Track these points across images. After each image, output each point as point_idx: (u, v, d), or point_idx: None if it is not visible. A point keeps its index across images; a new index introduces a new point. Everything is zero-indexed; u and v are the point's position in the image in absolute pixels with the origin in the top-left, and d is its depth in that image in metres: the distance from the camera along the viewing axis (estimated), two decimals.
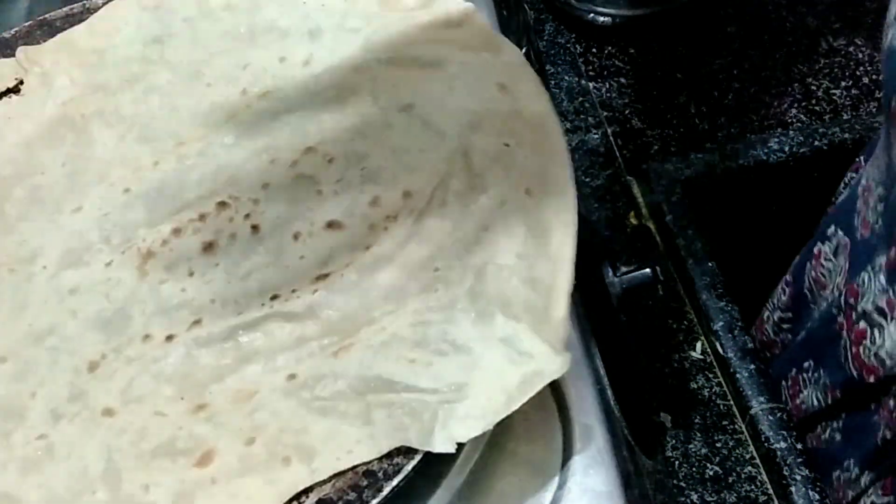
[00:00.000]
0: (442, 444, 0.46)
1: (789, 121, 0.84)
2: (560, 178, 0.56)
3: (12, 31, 0.71)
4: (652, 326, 0.70)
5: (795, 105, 0.85)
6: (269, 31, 0.67)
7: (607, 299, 0.60)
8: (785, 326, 0.80)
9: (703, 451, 0.64)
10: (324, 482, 0.47)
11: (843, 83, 0.86)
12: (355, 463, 0.47)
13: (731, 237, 0.81)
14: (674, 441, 0.64)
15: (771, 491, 0.63)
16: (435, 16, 0.63)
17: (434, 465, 0.48)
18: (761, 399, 0.65)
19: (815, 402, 0.68)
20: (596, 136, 0.83)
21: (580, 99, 0.87)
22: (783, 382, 0.73)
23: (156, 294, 0.56)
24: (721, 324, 0.69)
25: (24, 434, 0.51)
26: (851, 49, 0.89)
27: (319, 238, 0.55)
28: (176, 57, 0.67)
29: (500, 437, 0.53)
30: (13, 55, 0.69)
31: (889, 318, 0.58)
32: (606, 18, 0.91)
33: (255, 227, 0.57)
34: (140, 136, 0.64)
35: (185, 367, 0.52)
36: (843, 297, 0.64)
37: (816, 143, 0.82)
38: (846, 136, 0.82)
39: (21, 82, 0.68)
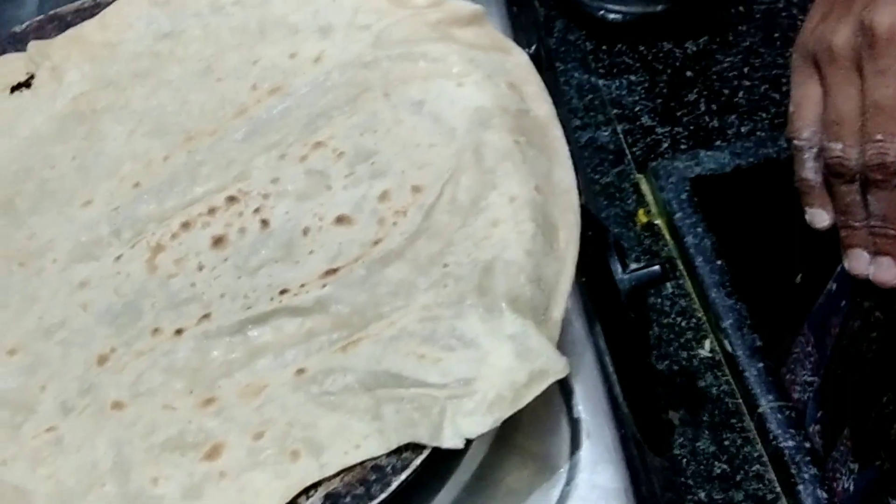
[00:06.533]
0: (451, 440, 0.46)
1: None
2: (564, 179, 0.56)
3: (23, 26, 0.72)
4: (661, 324, 0.70)
5: None
6: (280, 27, 0.67)
7: (616, 296, 0.60)
8: None
9: (712, 448, 0.64)
10: (332, 476, 0.47)
11: None
12: (364, 458, 0.47)
13: (741, 235, 0.81)
14: (682, 439, 0.64)
15: (779, 489, 0.62)
16: (445, 14, 0.63)
17: (442, 460, 0.48)
18: (770, 397, 0.65)
19: None
20: (605, 134, 0.83)
21: (590, 96, 0.87)
22: None
23: (165, 288, 0.56)
24: (730, 321, 0.69)
25: (34, 427, 0.51)
26: None
27: (329, 233, 0.55)
28: (186, 52, 0.67)
29: (507, 432, 0.53)
30: (24, 49, 0.69)
31: None
32: (617, 16, 0.91)
33: (264, 222, 0.57)
34: (150, 130, 0.64)
35: (194, 361, 0.52)
36: None
37: None
38: None
39: (32, 77, 0.68)
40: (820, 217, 0.54)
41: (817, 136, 0.52)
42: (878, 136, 0.48)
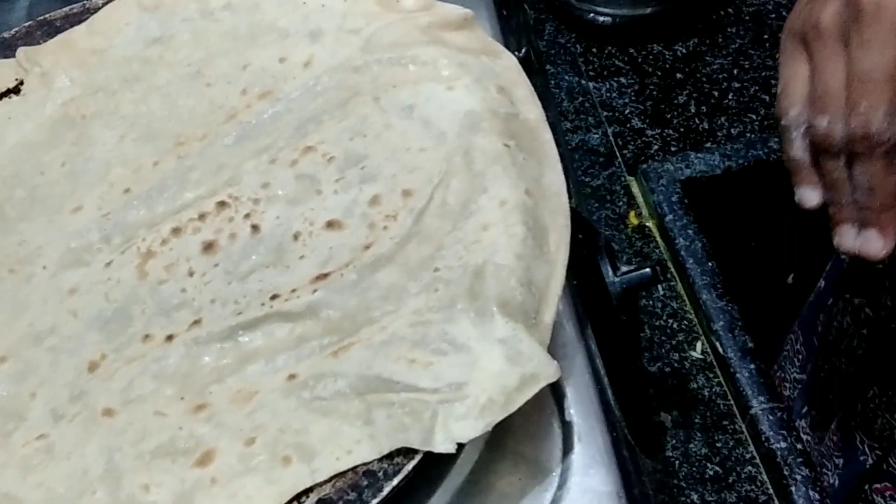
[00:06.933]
0: (442, 445, 0.46)
1: None
2: (554, 182, 0.56)
3: (12, 32, 0.71)
4: (652, 326, 0.70)
5: None
6: (270, 32, 0.67)
7: (607, 299, 0.60)
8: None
9: (704, 450, 0.64)
10: (324, 482, 0.47)
11: None
12: (355, 463, 0.47)
13: (731, 237, 0.81)
14: (674, 441, 0.64)
15: (771, 491, 0.63)
16: (435, 18, 0.63)
17: (434, 465, 0.48)
18: (761, 399, 0.65)
19: None
20: (596, 136, 0.84)
21: (580, 99, 0.87)
22: None
23: (156, 294, 0.56)
24: (721, 323, 0.69)
25: (24, 434, 0.51)
26: None
27: (319, 238, 0.55)
28: (176, 57, 0.67)
29: (499, 436, 0.53)
30: (13, 55, 0.69)
31: None
32: (606, 18, 0.91)
33: (255, 227, 0.57)
34: (140, 136, 0.64)
35: (185, 367, 0.52)
36: None
37: None
38: None
39: (21, 83, 0.68)
40: (809, 196, 0.54)
41: (804, 115, 0.52)
42: (862, 107, 0.48)
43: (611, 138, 0.83)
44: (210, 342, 0.53)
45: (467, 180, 0.55)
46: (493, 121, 0.57)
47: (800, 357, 0.86)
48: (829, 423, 0.78)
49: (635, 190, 0.80)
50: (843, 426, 0.76)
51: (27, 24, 0.72)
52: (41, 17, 0.71)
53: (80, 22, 0.70)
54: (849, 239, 0.52)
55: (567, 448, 0.54)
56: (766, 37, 0.91)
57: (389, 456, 0.47)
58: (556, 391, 0.56)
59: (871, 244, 0.51)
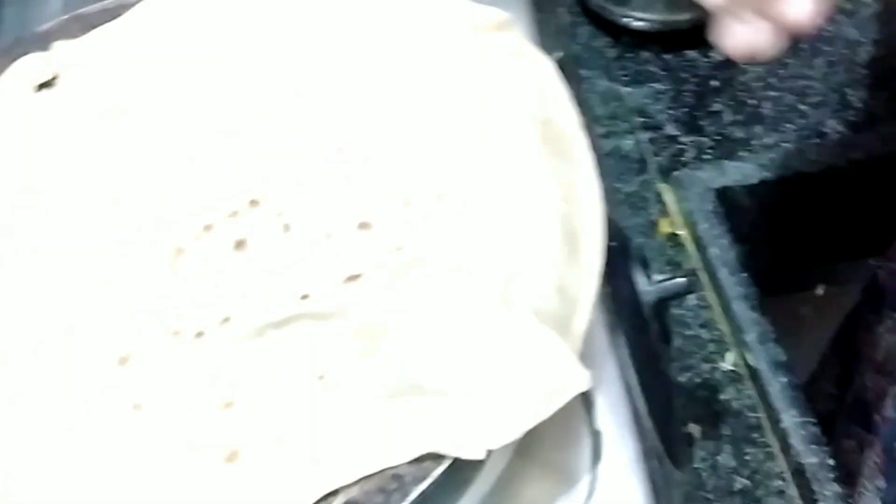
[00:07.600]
0: (471, 451, 0.45)
1: (826, 131, 0.83)
2: (589, 189, 0.56)
3: (47, 26, 0.71)
4: (683, 335, 0.69)
5: (832, 115, 0.84)
6: (307, 31, 0.67)
7: (639, 308, 0.60)
8: None
9: (732, 463, 0.63)
10: (351, 484, 0.47)
11: (883, 94, 0.85)
12: (383, 466, 0.47)
13: (766, 247, 0.80)
14: (703, 452, 0.64)
15: None
16: (472, 21, 0.63)
17: (462, 471, 0.48)
18: (792, 412, 0.64)
19: None
20: (629, 142, 0.83)
21: (614, 104, 0.86)
22: None
23: (186, 290, 0.55)
24: (753, 335, 0.68)
25: (54, 428, 0.51)
26: (892, 60, 0.88)
27: (351, 238, 0.55)
28: (213, 53, 0.67)
29: (528, 443, 0.52)
30: (48, 49, 0.69)
31: None
32: (642, 23, 0.90)
33: (286, 226, 0.57)
34: (175, 132, 0.64)
35: (214, 364, 0.52)
36: None
37: (853, 154, 0.81)
38: (884, 148, 0.81)
39: (56, 77, 0.68)
40: None
41: None
42: None
43: (644, 144, 0.83)
44: (240, 340, 0.53)
45: (502, 185, 0.54)
46: (529, 125, 0.56)
47: (835, 372, 0.85)
48: (871, 443, 0.77)
49: (668, 198, 0.79)
50: (886, 447, 0.75)
51: (62, 17, 0.72)
52: (77, 12, 0.71)
53: (115, 17, 0.70)
54: (740, 32, 0.48)
55: (596, 457, 0.54)
56: (803, 45, 0.90)
57: (418, 460, 0.46)
58: (586, 400, 0.55)
59: (762, 37, 0.47)
